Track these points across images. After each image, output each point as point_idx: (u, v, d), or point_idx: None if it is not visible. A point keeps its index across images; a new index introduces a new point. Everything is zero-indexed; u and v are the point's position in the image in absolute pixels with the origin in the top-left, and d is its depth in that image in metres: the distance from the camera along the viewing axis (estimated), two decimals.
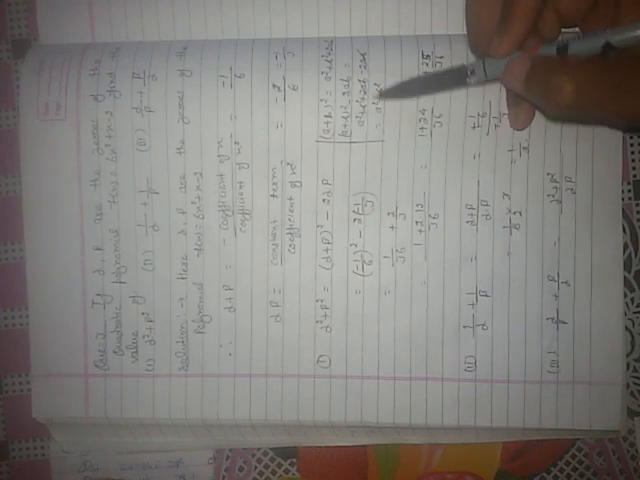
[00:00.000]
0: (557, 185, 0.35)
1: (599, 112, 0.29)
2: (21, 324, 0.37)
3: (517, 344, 0.35)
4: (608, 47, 0.29)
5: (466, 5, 0.32)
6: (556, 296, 0.35)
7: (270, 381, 0.36)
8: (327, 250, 0.35)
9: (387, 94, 0.34)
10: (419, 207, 0.35)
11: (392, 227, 0.35)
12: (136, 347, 0.36)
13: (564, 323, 0.35)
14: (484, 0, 0.31)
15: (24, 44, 0.37)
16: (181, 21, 0.36)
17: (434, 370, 0.35)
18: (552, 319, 0.35)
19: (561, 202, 0.35)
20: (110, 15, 0.36)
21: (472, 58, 0.34)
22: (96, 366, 0.36)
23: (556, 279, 0.35)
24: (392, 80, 0.34)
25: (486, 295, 0.35)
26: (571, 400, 0.35)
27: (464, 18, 0.32)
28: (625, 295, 0.35)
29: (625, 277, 0.36)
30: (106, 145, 0.35)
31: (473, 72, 0.32)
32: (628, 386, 0.36)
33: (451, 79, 0.33)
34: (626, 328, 0.36)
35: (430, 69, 0.34)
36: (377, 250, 0.35)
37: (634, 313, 0.36)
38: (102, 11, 0.36)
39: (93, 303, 0.36)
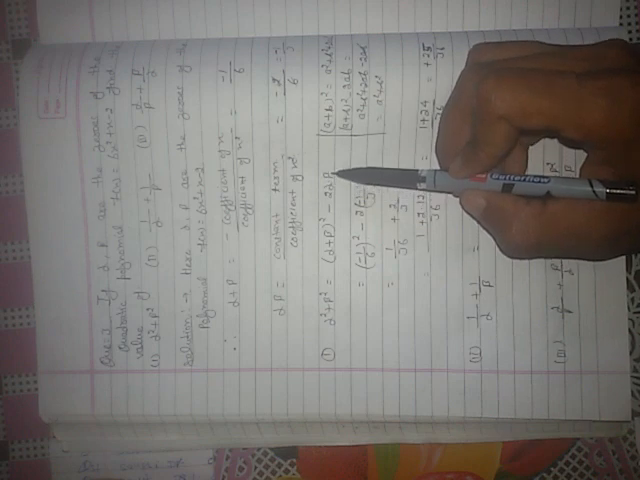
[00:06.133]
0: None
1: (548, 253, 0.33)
2: (21, 324, 0.38)
3: (522, 334, 0.35)
4: (549, 194, 0.31)
5: (440, 118, 0.33)
6: (560, 285, 0.35)
7: (275, 375, 0.36)
8: (329, 243, 0.35)
9: (342, 174, 0.35)
10: (420, 198, 0.35)
11: (394, 219, 0.35)
12: (141, 343, 0.36)
13: (569, 312, 0.35)
14: (454, 123, 0.32)
15: (24, 44, 0.37)
16: (181, 21, 0.36)
17: (439, 361, 0.35)
18: (557, 308, 0.35)
19: None
20: (110, 15, 0.36)
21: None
22: (102, 362, 0.36)
23: (559, 268, 0.35)
24: (393, 72, 0.34)
25: (489, 285, 0.35)
26: (579, 390, 0.35)
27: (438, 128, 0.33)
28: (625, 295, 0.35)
29: (626, 277, 0.35)
30: (107, 142, 0.35)
31: (424, 179, 0.33)
32: None
33: (404, 179, 0.34)
34: None
35: (432, 60, 0.34)
36: (379, 242, 0.35)
37: (634, 313, 0.36)
38: (102, 11, 0.36)
39: (98, 299, 0.36)
